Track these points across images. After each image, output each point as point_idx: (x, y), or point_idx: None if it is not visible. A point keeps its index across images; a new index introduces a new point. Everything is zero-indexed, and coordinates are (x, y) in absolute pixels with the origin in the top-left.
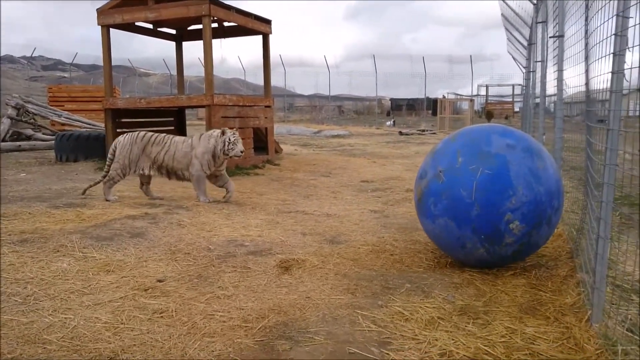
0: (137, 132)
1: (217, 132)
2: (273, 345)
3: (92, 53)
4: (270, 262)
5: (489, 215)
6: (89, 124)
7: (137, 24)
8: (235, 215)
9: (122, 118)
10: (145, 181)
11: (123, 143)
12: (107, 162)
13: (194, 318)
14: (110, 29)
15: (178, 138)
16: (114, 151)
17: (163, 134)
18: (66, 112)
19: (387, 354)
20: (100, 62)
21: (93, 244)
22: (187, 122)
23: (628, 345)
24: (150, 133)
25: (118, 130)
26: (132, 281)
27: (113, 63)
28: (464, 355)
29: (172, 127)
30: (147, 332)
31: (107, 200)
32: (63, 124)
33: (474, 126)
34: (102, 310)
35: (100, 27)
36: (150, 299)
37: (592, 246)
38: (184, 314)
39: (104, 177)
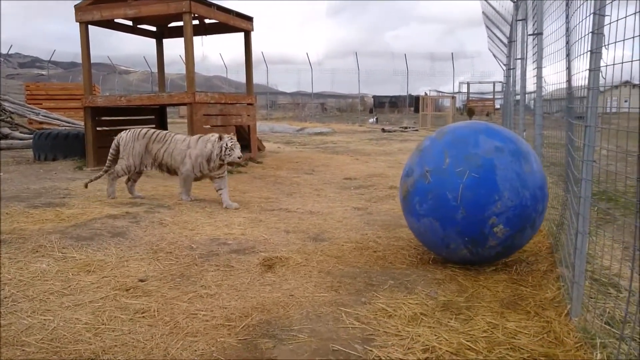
0: (139, 128)
1: (215, 136)
2: (256, 344)
3: (70, 50)
4: (254, 261)
5: (474, 219)
6: (68, 123)
7: (116, 20)
8: (218, 213)
9: (102, 116)
10: (134, 178)
11: (126, 140)
12: (108, 157)
13: (177, 318)
14: (89, 25)
15: (179, 136)
16: (117, 147)
17: (165, 131)
18: (44, 110)
19: (371, 350)
20: (79, 60)
21: (73, 244)
22: (169, 121)
23: (606, 338)
24: (152, 130)
25: (98, 128)
26: (113, 281)
27: (92, 60)
28: (447, 351)
29: (154, 126)
30: (129, 333)
31: (109, 197)
32: (41, 123)
33: (461, 124)
34: (82, 311)
35: (78, 24)
36: (131, 299)
37: (572, 241)
38: (166, 314)
39: (106, 171)
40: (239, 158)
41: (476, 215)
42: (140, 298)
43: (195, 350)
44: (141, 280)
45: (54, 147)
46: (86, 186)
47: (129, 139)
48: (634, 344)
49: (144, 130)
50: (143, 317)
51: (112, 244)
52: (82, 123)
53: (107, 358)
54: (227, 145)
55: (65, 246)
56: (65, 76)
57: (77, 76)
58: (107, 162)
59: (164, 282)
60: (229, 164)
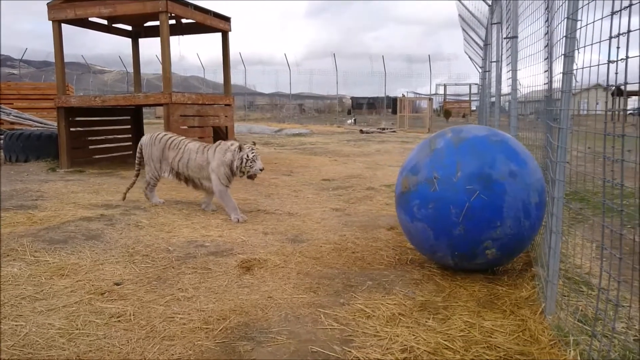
0: (157, 132)
1: (234, 145)
2: (234, 347)
3: (43, 49)
4: (232, 263)
5: (470, 239)
6: (41, 123)
7: (90, 19)
8: (195, 215)
9: (76, 117)
10: (152, 183)
11: (145, 144)
12: (136, 161)
13: (153, 321)
14: (63, 24)
15: (192, 145)
16: (141, 152)
17: (180, 138)
18: (16, 110)
19: (350, 351)
20: (52, 59)
21: (45, 247)
22: (145, 121)
23: (579, 336)
24: (169, 135)
25: (71, 129)
26: (87, 285)
27: (66, 60)
28: (425, 351)
29: (129, 126)
30: (104, 337)
31: (154, 204)
32: (12, 123)
33: (481, 132)
34: (55, 316)
35: (51, 22)
36: (106, 302)
37: (546, 241)
38: (142, 318)
39: (136, 175)
40: (260, 170)
41: (474, 236)
42: (115, 302)
43: (172, 354)
44: (117, 284)
45: (26, 148)
46: (124, 198)
47: (148, 143)
48: (606, 340)
49: (161, 134)
50: (119, 321)
51: (86, 247)
52: (55, 123)
53: None
54: (247, 156)
55: (37, 250)
56: (37, 75)
57: (50, 76)
58: (136, 166)
59: (140, 285)
60: (249, 177)
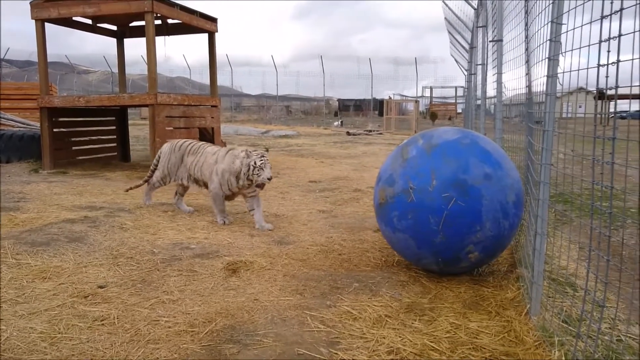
0: (178, 140)
1: (243, 153)
2: (220, 350)
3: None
4: (218, 265)
5: (452, 245)
6: (23, 123)
7: (75, 18)
8: (181, 217)
9: (59, 117)
10: (180, 192)
11: (164, 151)
12: (150, 167)
13: (138, 324)
14: (46, 23)
15: (210, 148)
16: (159, 158)
17: (200, 143)
18: None
19: (336, 353)
20: (35, 58)
21: (27, 249)
22: (130, 122)
23: (564, 336)
24: (190, 141)
25: (55, 130)
26: (70, 288)
27: (49, 59)
28: (411, 352)
29: (114, 127)
30: (87, 341)
31: (145, 203)
32: None
33: (451, 135)
34: (37, 319)
35: (34, 21)
36: (90, 306)
37: (531, 242)
38: (126, 321)
39: (146, 180)
40: (268, 179)
41: (455, 242)
42: (99, 305)
43: (157, 358)
44: (100, 287)
45: (8, 148)
46: (127, 191)
47: (167, 151)
48: (590, 341)
49: (182, 141)
50: (102, 324)
51: (69, 250)
52: (38, 124)
53: None
54: (255, 163)
55: (19, 252)
56: (20, 75)
57: (33, 75)
58: (149, 172)
59: (124, 288)
60: (257, 186)
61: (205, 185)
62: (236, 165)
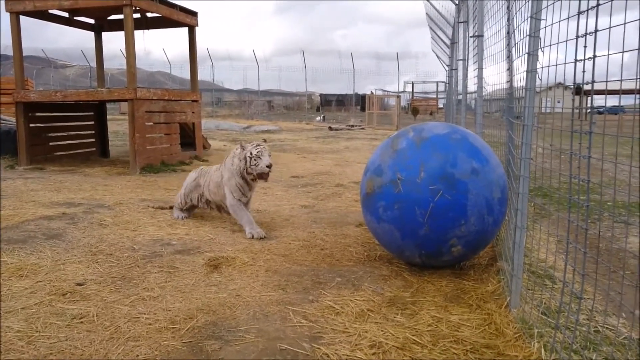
0: (201, 167)
1: (238, 149)
2: (202, 346)
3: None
4: (199, 261)
5: (436, 237)
6: None
7: (50, 11)
8: (161, 213)
9: (36, 112)
10: (187, 208)
11: (188, 177)
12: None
13: (118, 322)
14: (21, 16)
15: (216, 165)
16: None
17: (215, 166)
18: None
19: (319, 348)
20: (10, 52)
21: (3, 247)
22: (109, 117)
23: (543, 328)
24: (209, 167)
25: (31, 125)
26: (48, 286)
27: (25, 53)
28: (393, 346)
29: (92, 122)
30: (66, 340)
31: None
32: None
33: (441, 130)
34: (14, 318)
35: (8, 13)
36: (68, 304)
37: (511, 235)
38: (106, 318)
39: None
40: (267, 167)
41: (439, 235)
42: (78, 303)
43: (138, 355)
44: (79, 284)
45: None
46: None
47: (189, 177)
48: (568, 332)
49: (203, 166)
50: (81, 322)
51: (47, 247)
52: (14, 119)
53: None
54: (251, 153)
55: None
56: None
57: (8, 70)
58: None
59: (103, 285)
60: (260, 177)
61: (218, 209)
62: (235, 163)
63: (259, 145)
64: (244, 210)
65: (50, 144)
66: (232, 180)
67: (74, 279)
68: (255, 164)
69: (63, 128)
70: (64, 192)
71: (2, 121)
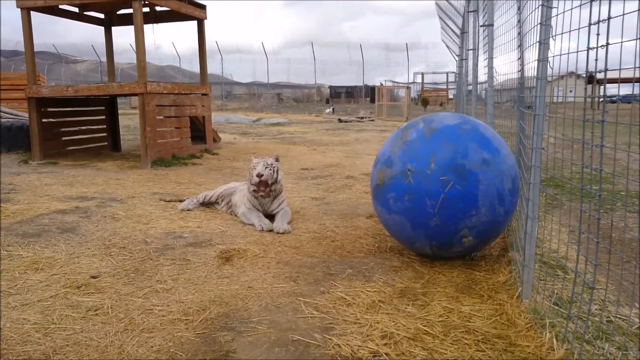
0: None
1: (251, 165)
2: (215, 337)
3: (12, 38)
4: (211, 253)
5: (447, 228)
6: (12, 114)
7: (61, 6)
8: (173, 206)
9: (48, 107)
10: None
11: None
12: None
13: (132, 314)
14: (32, 11)
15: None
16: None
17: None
18: None
19: (330, 339)
20: (22, 48)
21: (19, 241)
22: (120, 112)
23: (555, 318)
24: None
25: (44, 120)
26: (63, 279)
27: (36, 49)
28: (405, 336)
29: (103, 117)
30: (81, 331)
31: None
32: None
33: (451, 120)
34: (30, 310)
35: (19, 9)
36: (83, 296)
37: (522, 226)
38: (120, 310)
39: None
40: (257, 177)
41: (450, 226)
42: (92, 295)
43: (152, 347)
44: (93, 277)
45: None
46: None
47: (231, 184)
48: (581, 322)
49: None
50: (96, 314)
51: (61, 240)
52: (27, 114)
53: (58, 358)
54: (253, 166)
55: (10, 244)
56: (7, 65)
57: (20, 65)
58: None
59: (117, 278)
60: (258, 187)
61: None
62: (247, 177)
63: (265, 161)
64: (252, 213)
65: (63, 138)
66: (244, 192)
67: (88, 272)
68: (250, 175)
69: (75, 123)
70: (77, 186)
71: (15, 116)
